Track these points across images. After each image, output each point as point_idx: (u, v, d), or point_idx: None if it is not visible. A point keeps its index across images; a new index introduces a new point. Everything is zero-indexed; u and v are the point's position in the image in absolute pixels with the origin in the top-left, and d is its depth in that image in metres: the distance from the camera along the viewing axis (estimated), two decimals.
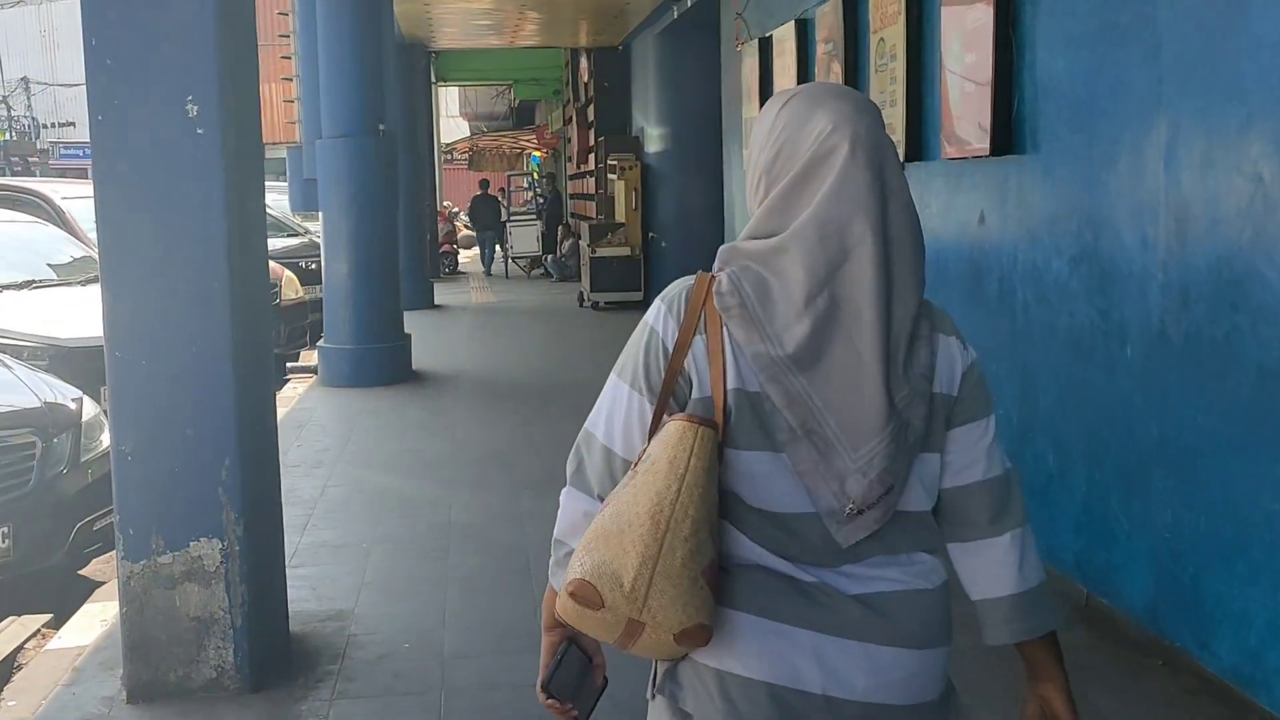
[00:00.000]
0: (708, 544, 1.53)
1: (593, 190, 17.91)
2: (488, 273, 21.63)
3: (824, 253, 1.55)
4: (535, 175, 24.36)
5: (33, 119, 41.54)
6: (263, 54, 4.24)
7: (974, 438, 1.68)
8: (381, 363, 9.74)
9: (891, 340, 1.56)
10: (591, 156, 17.50)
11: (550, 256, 20.36)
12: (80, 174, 30.85)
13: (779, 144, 1.63)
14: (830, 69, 7.15)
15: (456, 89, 33.73)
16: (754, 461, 1.58)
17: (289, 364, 10.50)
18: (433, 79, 24.98)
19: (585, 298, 15.31)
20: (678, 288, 1.66)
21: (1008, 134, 4.89)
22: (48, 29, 43.86)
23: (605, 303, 15.03)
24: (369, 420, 8.33)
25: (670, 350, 1.61)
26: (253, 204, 3.94)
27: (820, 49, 7.40)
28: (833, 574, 1.59)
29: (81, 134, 41.34)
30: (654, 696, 1.68)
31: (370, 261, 9.67)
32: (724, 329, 1.58)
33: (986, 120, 4.95)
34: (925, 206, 5.76)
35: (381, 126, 9.61)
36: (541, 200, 22.22)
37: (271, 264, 11.74)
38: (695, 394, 1.60)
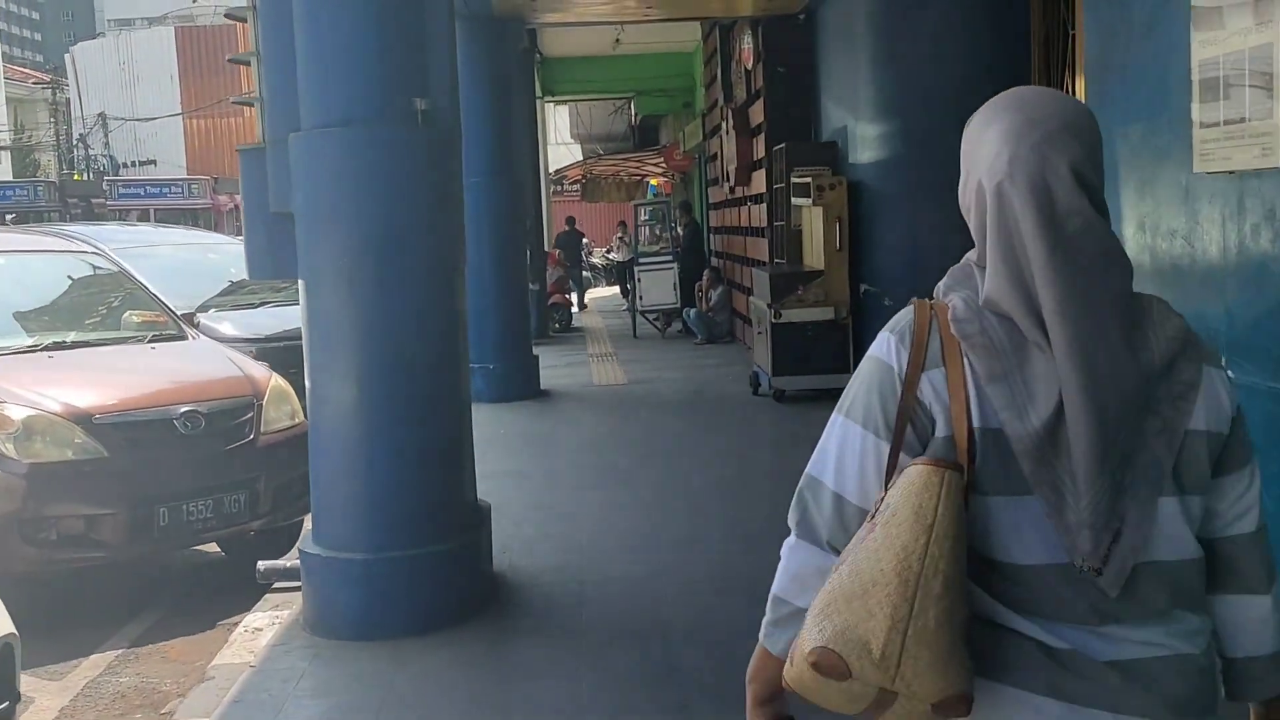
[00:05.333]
0: (961, 601, 1.38)
1: (756, 221, 12.84)
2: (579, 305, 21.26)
3: (1024, 297, 1.44)
4: (667, 202, 19.46)
5: (110, 157, 38.23)
6: None
7: (1244, 484, 1.54)
8: (429, 584, 4.78)
9: (1102, 375, 1.41)
10: (759, 175, 12.42)
11: (693, 310, 15.34)
12: (142, 215, 26.89)
13: (963, 169, 1.56)
14: None
15: (567, 107, 29.22)
16: (1001, 508, 1.44)
17: (263, 566, 5.55)
18: (538, 93, 20.60)
19: (764, 383, 10.23)
20: (907, 316, 1.54)
21: None
22: (127, 61, 40.62)
23: (794, 391, 9.93)
24: None
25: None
26: None
27: None
28: (1085, 635, 1.43)
29: (159, 172, 37.83)
30: None
31: (409, 396, 4.76)
32: (964, 359, 1.46)
33: None
34: None
35: (421, 105, 4.70)
36: (676, 235, 17.18)
37: (247, 365, 6.91)
38: (940, 432, 1.46)
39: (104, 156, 38.09)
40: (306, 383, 4.86)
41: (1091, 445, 1.39)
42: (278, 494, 6.01)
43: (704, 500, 6.80)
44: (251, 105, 4.93)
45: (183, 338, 6.69)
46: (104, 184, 29.64)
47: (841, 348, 9.78)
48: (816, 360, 9.75)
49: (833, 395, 8.77)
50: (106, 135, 38.06)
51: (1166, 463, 1.45)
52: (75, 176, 37.11)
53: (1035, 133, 1.46)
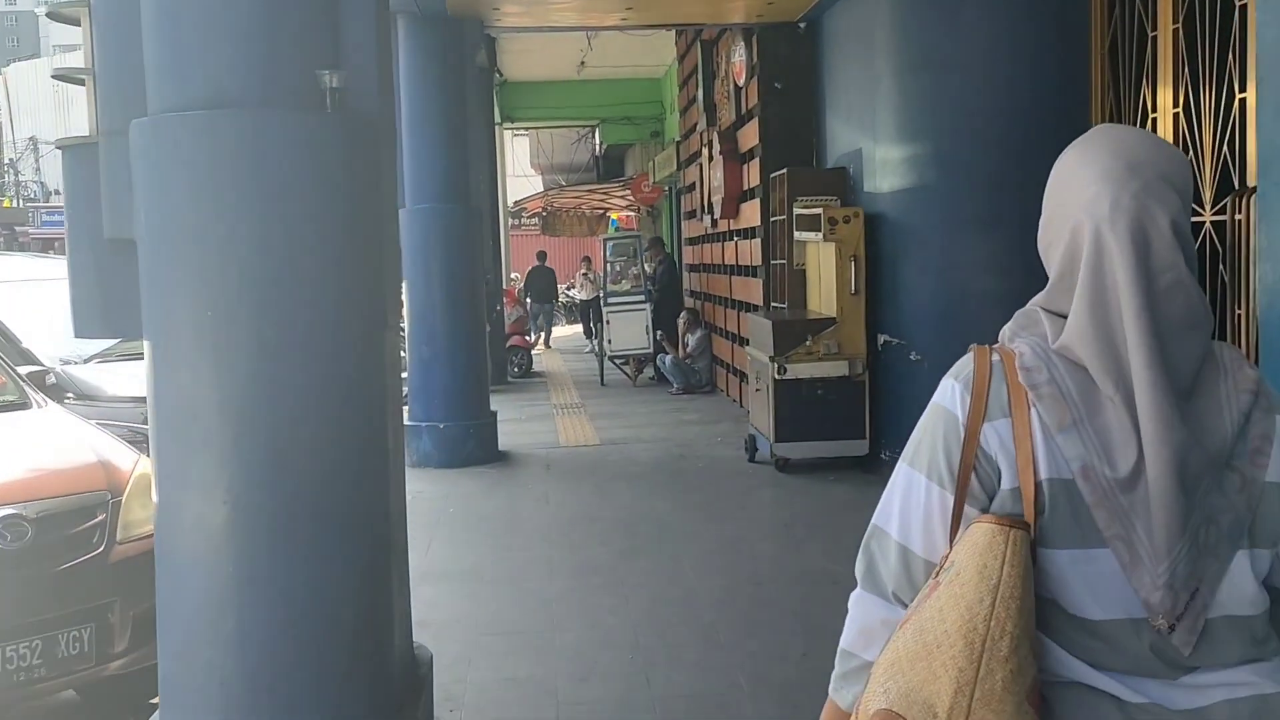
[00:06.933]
0: (1029, 662, 1.34)
1: (747, 259, 11.34)
2: (546, 345, 21.29)
3: (1108, 347, 1.39)
4: (637, 237, 17.88)
5: (41, 184, 36.28)
6: None
7: None
8: None
9: (1186, 437, 1.36)
10: (751, 206, 10.92)
11: (668, 357, 13.79)
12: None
13: (1050, 207, 1.51)
14: None
15: (527, 138, 27.75)
16: (1072, 561, 1.40)
17: None
18: (497, 119, 19.17)
19: (763, 448, 8.68)
20: (969, 364, 1.50)
21: None
22: (61, 84, 38.67)
23: (800, 460, 8.39)
24: None
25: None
26: None
27: None
28: (1163, 687, 1.39)
29: None
30: None
31: (307, 514, 3.14)
32: (1031, 409, 1.41)
33: None
34: None
35: (331, 79, 3.13)
36: (649, 274, 15.62)
37: (106, 447, 4.84)
38: (1005, 484, 1.43)
39: (35, 183, 36.13)
40: (154, 493, 3.25)
41: (1173, 509, 1.35)
42: (140, 624, 4.35)
43: (713, 621, 5.20)
44: (80, 83, 3.33)
45: (24, 406, 5.02)
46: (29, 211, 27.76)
47: (856, 409, 8.26)
48: (827, 424, 8.24)
49: (846, 465, 6.83)
50: (38, 160, 36.10)
51: (1246, 519, 1.40)
52: (4, 203, 35.17)
53: (1136, 180, 1.40)
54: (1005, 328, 1.52)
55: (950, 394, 1.48)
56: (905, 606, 1.47)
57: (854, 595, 1.55)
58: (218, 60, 3.08)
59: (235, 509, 3.11)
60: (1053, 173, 1.50)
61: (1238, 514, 1.41)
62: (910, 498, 1.48)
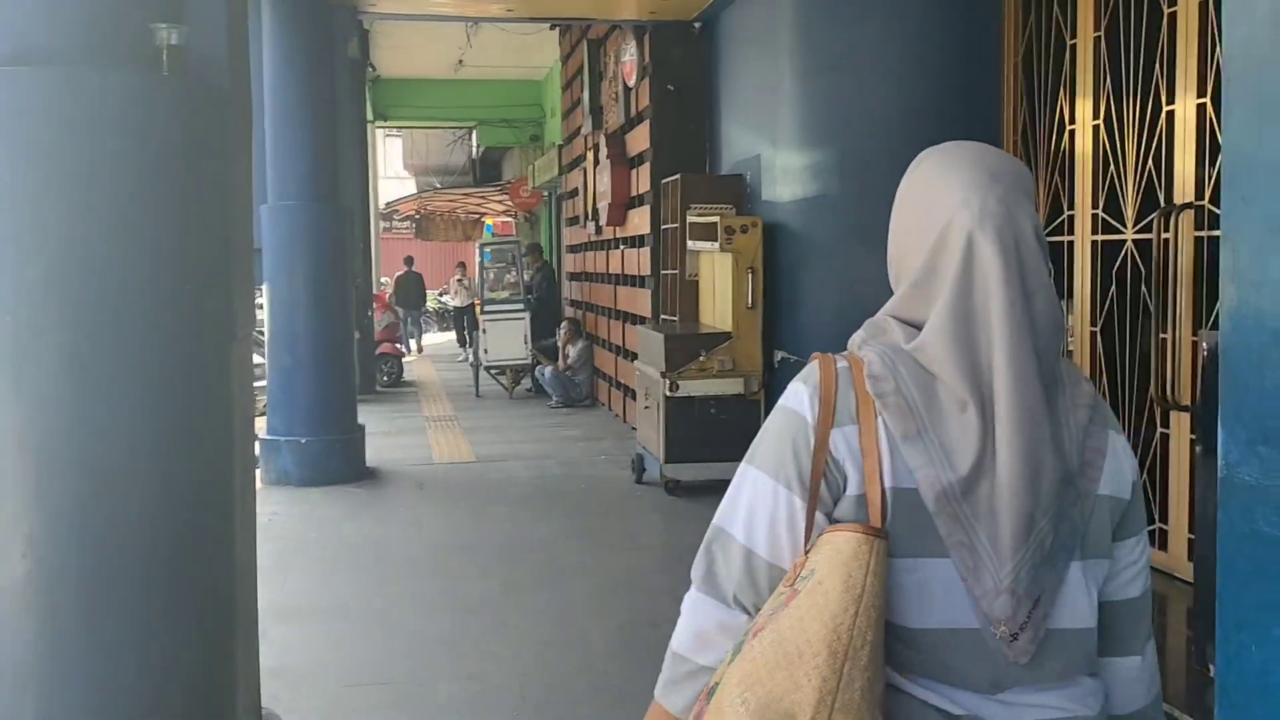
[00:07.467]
0: (881, 669, 1.36)
1: (634, 269, 10.88)
2: (419, 353, 21.37)
3: (968, 350, 1.40)
4: (516, 243, 17.24)
5: None
6: None
7: (1140, 549, 1.55)
8: None
9: (1042, 440, 1.38)
10: (640, 213, 10.46)
11: (548, 368, 13.24)
12: None
13: (906, 215, 1.51)
14: None
15: (400, 138, 26.94)
16: (906, 571, 1.40)
17: None
18: (369, 116, 18.46)
19: (652, 468, 8.21)
20: (815, 372, 1.49)
21: None
22: None
23: (691, 481, 7.94)
24: None
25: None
26: None
27: None
28: (983, 701, 1.41)
29: None
30: None
31: (128, 568, 2.54)
32: (878, 417, 1.42)
33: None
34: None
35: (168, 36, 2.54)
36: (527, 283, 15.00)
37: None
38: (851, 490, 1.42)
39: None
40: None
41: (1020, 512, 1.37)
42: None
43: (609, 670, 4.68)
44: None
45: None
46: None
47: (751, 429, 7.67)
48: (720, 444, 7.77)
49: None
50: None
51: (1080, 531, 1.44)
52: None
53: (999, 186, 1.43)
54: (855, 335, 1.51)
55: (799, 398, 1.46)
56: (745, 610, 1.44)
57: (690, 597, 1.51)
58: (22, 5, 2.47)
59: (37, 563, 2.50)
60: (906, 183, 1.51)
61: (1074, 525, 1.42)
62: (756, 501, 1.45)
